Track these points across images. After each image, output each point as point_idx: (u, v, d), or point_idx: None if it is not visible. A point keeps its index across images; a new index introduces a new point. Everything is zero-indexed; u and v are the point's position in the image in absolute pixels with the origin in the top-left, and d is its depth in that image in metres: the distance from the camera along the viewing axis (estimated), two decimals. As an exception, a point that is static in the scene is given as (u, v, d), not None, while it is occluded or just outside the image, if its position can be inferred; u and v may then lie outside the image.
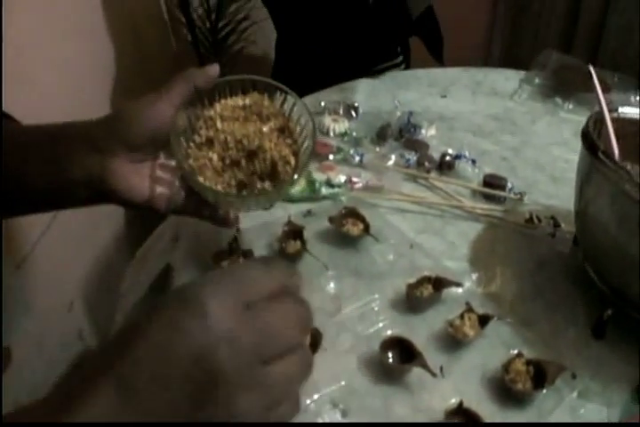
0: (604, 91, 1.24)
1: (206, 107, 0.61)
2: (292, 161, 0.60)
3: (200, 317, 0.33)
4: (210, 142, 0.60)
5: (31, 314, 1.22)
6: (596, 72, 1.28)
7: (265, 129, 0.60)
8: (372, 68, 1.39)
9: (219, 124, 0.60)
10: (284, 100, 0.62)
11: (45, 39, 1.29)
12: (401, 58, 1.47)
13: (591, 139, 0.69)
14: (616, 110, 0.81)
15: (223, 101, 0.61)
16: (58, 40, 1.37)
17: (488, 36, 2.22)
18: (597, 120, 0.76)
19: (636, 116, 0.82)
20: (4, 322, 1.00)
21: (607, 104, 0.79)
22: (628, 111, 0.82)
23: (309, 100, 1.16)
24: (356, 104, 1.11)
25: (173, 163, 0.59)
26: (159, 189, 0.59)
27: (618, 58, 1.55)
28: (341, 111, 1.10)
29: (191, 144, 0.60)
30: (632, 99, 1.28)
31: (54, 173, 0.56)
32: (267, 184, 0.60)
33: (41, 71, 1.26)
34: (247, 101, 0.61)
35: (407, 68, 1.50)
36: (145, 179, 0.59)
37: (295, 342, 0.37)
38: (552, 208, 0.89)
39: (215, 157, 0.60)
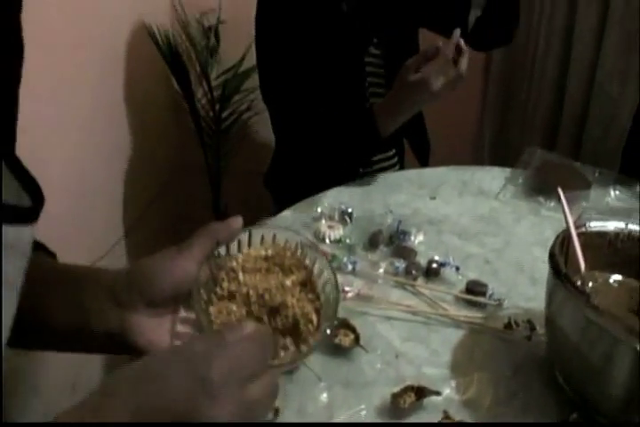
0: (584, 187, 1.38)
1: (228, 257, 0.64)
2: (315, 319, 0.61)
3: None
4: (232, 295, 0.62)
5: (38, 395, 1.33)
6: (577, 168, 1.43)
7: (287, 282, 0.62)
8: (367, 168, 1.54)
9: (241, 277, 0.62)
10: (306, 252, 0.65)
11: (54, 125, 1.43)
12: (396, 159, 1.62)
13: (556, 261, 0.82)
14: (584, 225, 0.94)
15: (245, 252, 0.64)
16: (64, 125, 1.51)
17: (477, 133, 2.41)
18: (565, 238, 0.89)
19: (604, 229, 0.95)
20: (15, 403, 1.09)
21: (576, 219, 0.93)
22: (595, 225, 0.95)
23: (307, 204, 1.30)
24: (350, 210, 1.24)
25: (194, 316, 0.60)
26: (179, 344, 0.59)
27: (599, 149, 1.70)
28: (337, 217, 1.23)
29: (213, 296, 0.62)
30: (611, 193, 1.41)
31: (76, 319, 0.59)
32: (288, 341, 0.61)
33: (47, 155, 1.39)
34: (269, 252, 0.65)
35: (402, 167, 1.65)
36: (165, 333, 0.60)
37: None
38: (530, 311, 1.00)
39: (237, 311, 0.61)
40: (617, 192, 1.41)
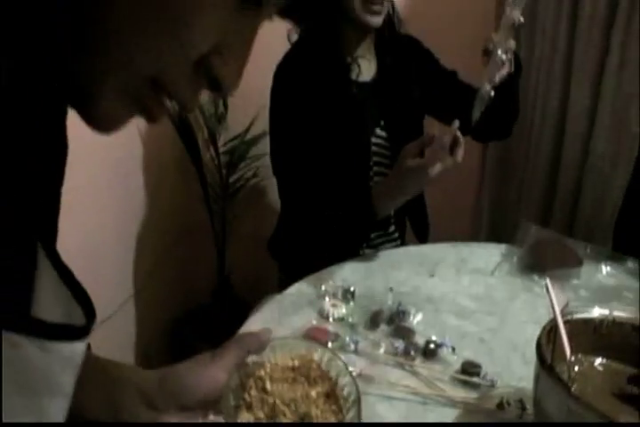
0: (576, 264, 1.48)
1: (257, 365, 0.70)
2: None
3: None
4: (259, 402, 0.66)
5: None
6: (569, 244, 1.52)
7: (312, 393, 0.67)
8: (368, 245, 1.64)
9: (268, 386, 0.67)
10: (331, 364, 0.71)
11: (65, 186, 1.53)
12: (397, 235, 1.72)
13: (542, 352, 0.90)
14: (570, 313, 1.03)
15: (273, 361, 0.71)
16: (74, 186, 1.60)
17: (475, 207, 2.55)
18: (552, 327, 0.98)
19: (589, 316, 1.04)
20: None
21: (563, 308, 1.02)
22: (580, 316, 1.04)
23: (312, 281, 1.40)
24: (352, 288, 1.33)
25: (223, 420, 0.65)
26: None
27: (592, 225, 1.81)
28: (340, 295, 1.33)
29: (241, 403, 0.67)
30: (603, 269, 1.51)
31: (108, 417, 0.63)
32: None
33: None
34: (296, 363, 0.71)
35: (403, 243, 1.75)
36: None
37: None
38: (522, 390, 1.07)
39: (264, 419, 0.65)
40: (608, 268, 1.50)
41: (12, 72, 0.41)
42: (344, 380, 0.70)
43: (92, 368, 0.66)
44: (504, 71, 1.44)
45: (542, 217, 2.05)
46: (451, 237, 1.66)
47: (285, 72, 1.56)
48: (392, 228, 1.72)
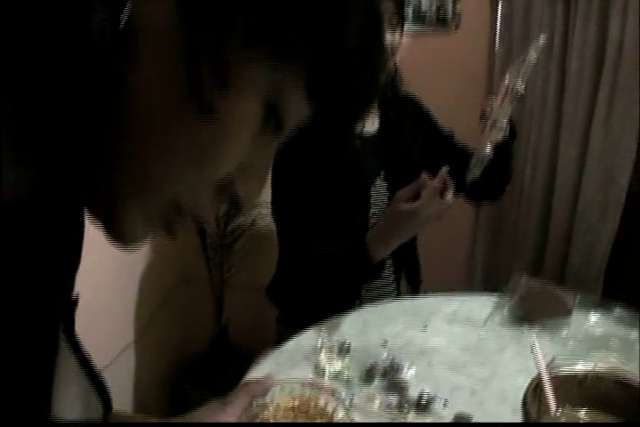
0: (565, 314, 1.53)
1: (261, 407, 0.76)
2: None
3: None
4: None
5: None
6: (559, 294, 1.59)
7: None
8: (365, 294, 1.70)
9: None
10: (327, 402, 0.79)
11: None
12: (394, 285, 1.78)
13: (527, 410, 0.96)
14: (556, 368, 1.09)
15: (276, 403, 0.78)
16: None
17: (470, 258, 2.63)
18: (539, 383, 1.04)
19: (574, 371, 1.10)
20: None
21: (549, 363, 1.08)
22: (566, 370, 1.10)
23: (309, 335, 1.46)
24: (348, 342, 1.39)
25: None
26: None
27: (581, 274, 1.88)
28: (336, 349, 1.38)
29: None
30: (591, 318, 1.56)
31: None
32: None
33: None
34: (296, 403, 0.78)
35: (399, 292, 1.81)
36: None
37: None
38: (512, 442, 1.14)
39: None
40: (596, 317, 1.56)
41: (39, 184, 0.46)
42: (340, 415, 0.78)
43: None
44: (499, 136, 1.51)
45: (534, 266, 2.12)
46: (446, 286, 1.72)
47: None
48: (389, 276, 1.77)
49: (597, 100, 1.88)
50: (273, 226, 1.72)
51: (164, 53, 0.40)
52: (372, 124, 1.73)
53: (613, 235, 1.79)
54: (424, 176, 1.45)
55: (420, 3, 2.73)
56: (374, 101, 0.52)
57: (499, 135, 1.51)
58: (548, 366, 1.06)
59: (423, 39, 2.73)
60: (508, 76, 1.45)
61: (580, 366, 1.10)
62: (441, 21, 2.75)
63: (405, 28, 2.59)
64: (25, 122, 0.40)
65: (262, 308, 1.90)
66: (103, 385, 0.60)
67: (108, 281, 1.93)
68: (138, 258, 2.20)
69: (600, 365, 1.10)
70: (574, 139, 1.98)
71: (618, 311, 1.55)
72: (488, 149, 1.46)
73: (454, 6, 2.73)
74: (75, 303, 0.63)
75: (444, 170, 1.41)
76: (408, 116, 1.78)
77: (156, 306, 2.33)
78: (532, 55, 1.45)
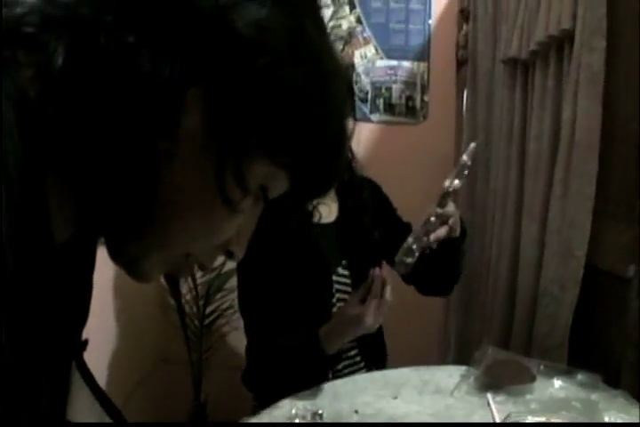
0: (529, 381, 1.59)
1: None
2: None
3: None
4: None
5: None
6: (523, 363, 1.64)
7: None
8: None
9: None
10: None
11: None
12: (363, 364, 1.83)
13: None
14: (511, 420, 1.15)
15: None
16: None
17: (442, 333, 2.71)
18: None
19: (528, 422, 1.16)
20: None
21: (505, 418, 1.14)
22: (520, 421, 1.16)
23: (283, 405, 1.50)
24: (321, 411, 1.43)
25: None
26: None
27: (547, 344, 1.94)
28: (309, 417, 1.42)
29: None
30: (555, 383, 1.62)
31: None
32: None
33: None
34: None
35: (369, 368, 1.85)
36: None
37: None
38: None
39: None
40: (560, 382, 1.61)
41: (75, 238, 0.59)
42: None
43: None
44: (442, 233, 1.59)
45: (503, 339, 2.18)
46: (420, 361, 1.77)
47: None
48: (355, 355, 1.82)
49: (554, 180, 1.99)
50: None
51: (198, 157, 0.54)
52: (331, 214, 1.81)
53: (574, 304, 1.86)
54: (370, 275, 1.54)
55: (390, 94, 2.89)
56: (338, 181, 0.70)
57: (441, 231, 1.59)
58: (504, 419, 1.12)
59: (393, 128, 2.89)
60: (447, 180, 1.57)
61: (532, 419, 1.16)
62: (410, 111, 2.91)
63: (376, 117, 2.77)
64: (86, 195, 0.54)
65: (240, 388, 1.92)
66: (118, 412, 0.72)
67: (88, 360, 1.96)
68: (118, 337, 2.23)
69: (554, 418, 1.16)
70: (535, 215, 2.08)
71: (581, 376, 1.61)
72: (411, 239, 1.55)
73: (422, 97, 2.90)
74: (85, 344, 0.76)
75: (376, 271, 1.52)
76: (366, 206, 1.86)
77: (135, 385, 2.35)
78: (464, 159, 1.56)
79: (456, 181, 1.55)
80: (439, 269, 1.77)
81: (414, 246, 1.53)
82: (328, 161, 0.64)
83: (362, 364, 1.82)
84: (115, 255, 0.61)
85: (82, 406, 0.70)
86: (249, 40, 0.53)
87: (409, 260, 1.53)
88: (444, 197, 1.56)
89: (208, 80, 0.53)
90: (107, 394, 0.74)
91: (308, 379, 1.60)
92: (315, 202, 1.69)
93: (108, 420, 0.69)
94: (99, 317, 2.01)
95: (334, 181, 0.69)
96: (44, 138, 0.49)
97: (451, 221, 1.60)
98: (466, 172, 1.57)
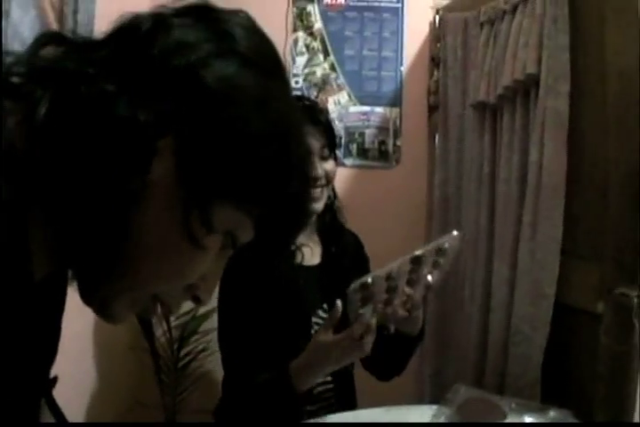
0: (500, 419, 1.56)
1: None
2: None
3: None
4: None
5: None
6: (495, 401, 1.62)
7: None
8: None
9: None
10: None
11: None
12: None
13: None
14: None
15: None
16: None
17: (417, 374, 2.68)
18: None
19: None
20: None
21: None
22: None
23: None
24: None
25: None
26: None
27: (519, 383, 1.92)
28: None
29: None
30: (526, 419, 1.59)
31: None
32: None
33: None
34: None
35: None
36: None
37: None
38: None
39: None
40: (531, 419, 1.58)
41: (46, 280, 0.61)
42: None
43: None
44: (400, 314, 1.51)
45: (477, 380, 2.15)
46: (395, 404, 1.74)
47: (232, 259, 1.69)
48: (330, 397, 1.78)
49: (522, 223, 1.99)
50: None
51: (167, 201, 0.58)
52: (314, 257, 1.80)
53: (544, 344, 1.84)
54: (336, 306, 1.48)
55: (363, 139, 2.91)
56: (303, 229, 0.73)
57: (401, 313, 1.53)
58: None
59: (367, 172, 2.90)
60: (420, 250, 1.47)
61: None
62: (383, 156, 2.93)
63: (350, 162, 2.78)
64: (62, 231, 0.57)
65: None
66: None
67: (60, 403, 1.91)
68: (89, 380, 2.18)
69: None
70: (505, 257, 2.08)
71: (552, 413, 1.59)
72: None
73: (395, 142, 2.92)
74: (54, 382, 0.75)
75: (366, 316, 1.43)
76: (348, 253, 1.85)
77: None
78: (445, 244, 1.48)
79: (429, 277, 1.48)
80: (387, 357, 1.75)
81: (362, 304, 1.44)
82: (291, 211, 0.67)
83: (335, 406, 1.78)
84: (86, 297, 0.64)
85: None
86: (216, 93, 0.58)
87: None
88: (415, 261, 1.45)
89: (179, 129, 0.57)
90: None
91: (279, 416, 1.55)
92: (297, 243, 1.71)
93: None
94: (74, 359, 1.99)
95: (298, 230, 0.73)
96: (27, 181, 0.53)
97: (414, 311, 1.54)
98: (442, 260, 1.48)
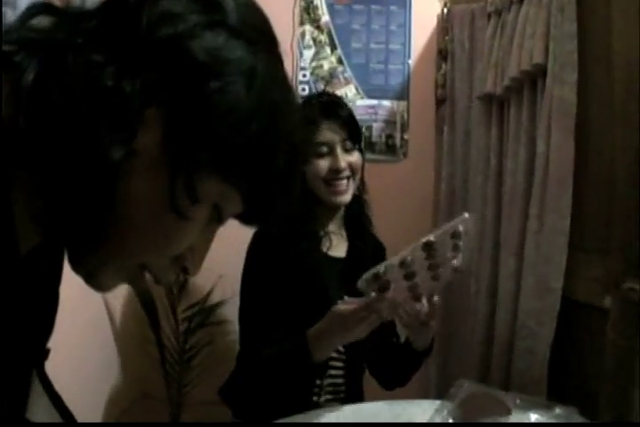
0: (504, 414, 1.52)
1: None
2: None
3: None
4: None
5: None
6: (499, 396, 1.58)
7: None
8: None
9: None
10: None
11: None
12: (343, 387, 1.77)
13: None
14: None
15: None
16: None
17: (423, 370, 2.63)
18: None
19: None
20: None
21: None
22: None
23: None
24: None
25: None
26: None
27: (525, 379, 1.87)
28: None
29: None
30: (531, 417, 1.54)
31: None
32: None
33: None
34: None
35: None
36: None
37: None
38: None
39: None
40: (537, 416, 1.54)
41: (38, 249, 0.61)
42: None
43: None
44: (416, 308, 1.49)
45: (482, 375, 2.12)
46: (400, 396, 1.71)
47: (260, 238, 1.70)
48: (338, 391, 1.75)
49: (529, 215, 1.95)
50: (231, 344, 1.72)
51: (153, 172, 0.58)
52: (340, 249, 1.79)
53: (551, 339, 1.80)
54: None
55: (370, 132, 2.86)
56: (291, 205, 0.71)
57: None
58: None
59: (374, 166, 2.85)
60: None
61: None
62: (390, 149, 2.89)
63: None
64: (50, 204, 0.57)
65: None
66: (72, 417, 0.74)
67: (65, 396, 1.89)
68: (97, 371, 2.16)
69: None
70: (512, 250, 2.04)
71: (558, 410, 1.54)
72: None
73: (402, 135, 2.87)
74: (46, 354, 0.76)
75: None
76: (370, 254, 1.82)
77: (114, 420, 2.26)
78: (459, 227, 1.43)
79: (454, 261, 1.44)
80: (393, 367, 1.77)
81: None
82: (278, 186, 0.66)
83: (343, 399, 1.75)
84: (75, 265, 0.63)
85: (39, 412, 0.70)
86: (202, 65, 0.58)
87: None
88: (427, 247, 1.39)
89: (165, 100, 0.57)
90: (64, 401, 0.75)
91: (292, 387, 1.55)
92: (326, 231, 1.75)
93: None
94: (79, 350, 1.96)
95: (285, 207, 0.71)
96: (14, 150, 0.53)
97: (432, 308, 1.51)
98: (460, 243, 1.43)
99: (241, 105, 0.59)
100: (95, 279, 0.63)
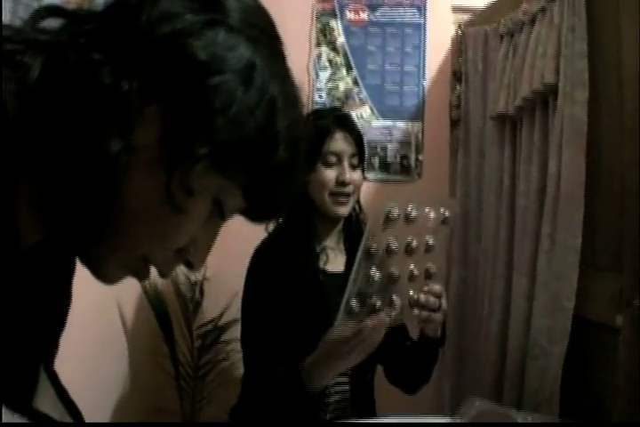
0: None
1: None
2: None
3: None
4: None
5: None
6: (510, 414, 1.54)
7: None
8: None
9: None
10: None
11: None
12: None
13: None
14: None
15: None
16: None
17: (437, 388, 2.61)
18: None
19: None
20: None
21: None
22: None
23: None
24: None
25: None
26: None
27: (538, 398, 1.83)
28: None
29: None
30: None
31: None
32: None
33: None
34: None
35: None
36: None
37: None
38: None
39: None
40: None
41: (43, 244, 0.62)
42: None
43: None
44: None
45: (495, 394, 2.08)
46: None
47: (260, 255, 1.70)
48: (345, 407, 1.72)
49: (541, 234, 1.93)
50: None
51: (151, 166, 0.58)
52: (338, 265, 1.77)
53: (562, 357, 1.76)
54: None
55: (385, 153, 2.86)
56: (291, 201, 0.72)
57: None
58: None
59: (388, 186, 2.84)
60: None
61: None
62: (405, 170, 2.88)
63: (372, 176, 2.73)
64: (52, 199, 0.58)
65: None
66: (77, 411, 0.74)
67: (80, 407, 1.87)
68: (109, 386, 2.14)
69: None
70: (524, 269, 2.01)
71: (569, 427, 1.51)
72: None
73: (417, 156, 2.87)
74: (55, 349, 0.77)
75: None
76: None
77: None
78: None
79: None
80: (411, 366, 1.74)
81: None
82: (278, 181, 0.66)
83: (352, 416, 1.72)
84: (80, 257, 0.64)
85: (46, 404, 0.70)
86: (200, 62, 0.58)
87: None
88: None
89: (163, 97, 0.58)
90: (70, 395, 0.75)
91: (293, 411, 1.50)
92: (321, 246, 1.75)
93: (68, 419, 0.71)
94: (93, 364, 1.95)
95: (284, 204, 0.71)
96: (18, 146, 0.54)
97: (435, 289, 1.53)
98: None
99: (239, 101, 0.59)
100: (100, 271, 0.64)
